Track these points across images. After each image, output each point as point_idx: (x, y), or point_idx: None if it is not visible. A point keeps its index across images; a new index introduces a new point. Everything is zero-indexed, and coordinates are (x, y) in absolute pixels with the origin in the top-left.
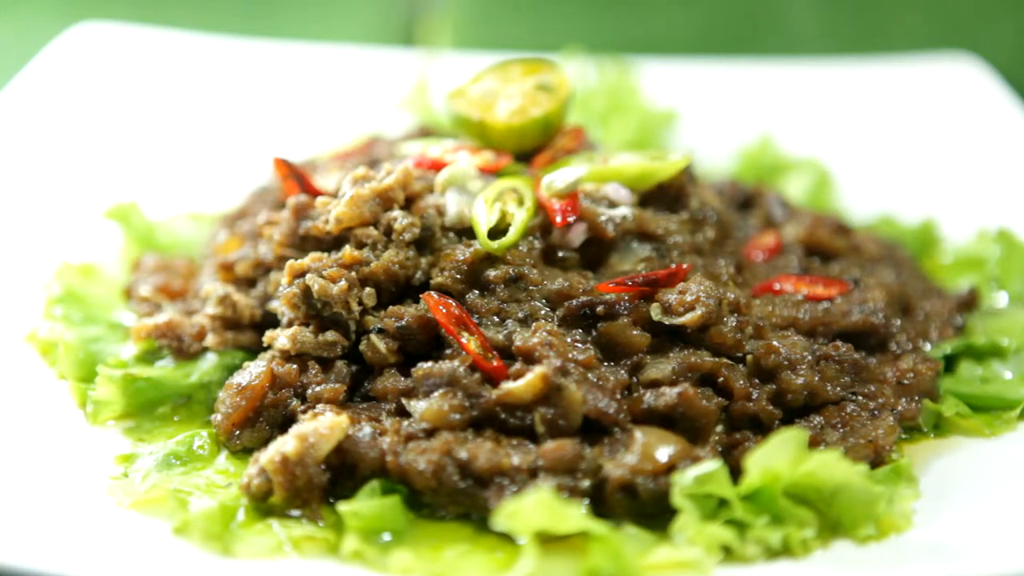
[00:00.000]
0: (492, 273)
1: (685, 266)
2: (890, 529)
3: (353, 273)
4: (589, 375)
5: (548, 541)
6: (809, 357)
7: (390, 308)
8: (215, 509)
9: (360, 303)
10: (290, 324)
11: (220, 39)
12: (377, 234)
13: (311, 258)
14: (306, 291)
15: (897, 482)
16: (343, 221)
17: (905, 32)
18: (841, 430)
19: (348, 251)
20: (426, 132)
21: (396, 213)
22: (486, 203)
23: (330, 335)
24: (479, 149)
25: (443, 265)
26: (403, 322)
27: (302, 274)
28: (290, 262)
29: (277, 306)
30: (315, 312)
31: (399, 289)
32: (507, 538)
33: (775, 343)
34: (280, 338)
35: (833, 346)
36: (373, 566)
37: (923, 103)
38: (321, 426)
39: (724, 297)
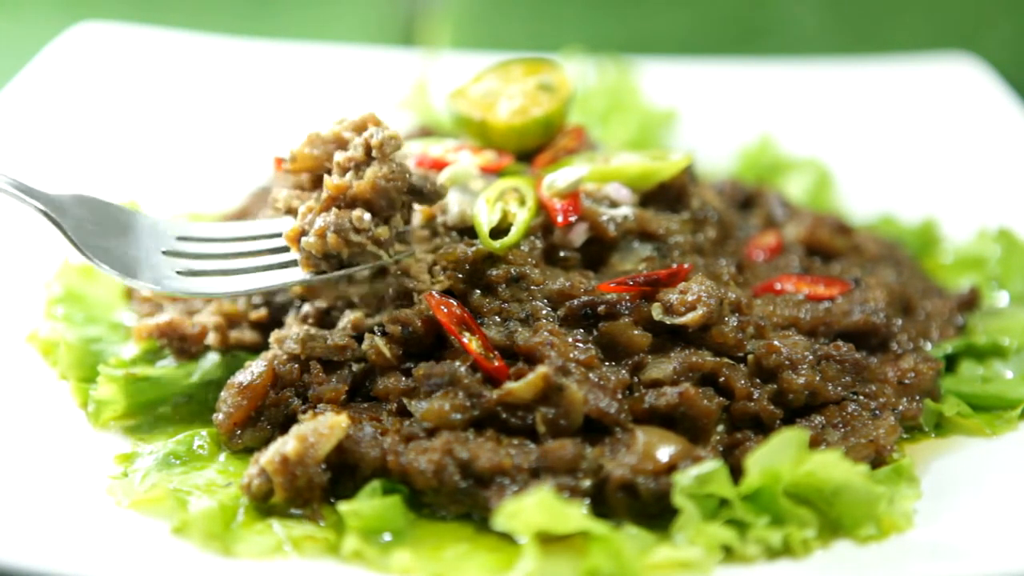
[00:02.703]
0: (494, 273)
1: (686, 266)
2: (891, 529)
3: (336, 208)
4: (590, 375)
5: (548, 541)
6: (810, 357)
7: (394, 313)
8: (215, 509)
9: (358, 231)
10: (303, 320)
11: (220, 39)
12: (359, 155)
13: (300, 216)
14: (308, 257)
15: (898, 482)
16: (297, 159)
17: (905, 32)
18: (842, 430)
19: (328, 182)
20: (427, 132)
21: (371, 129)
22: (488, 203)
23: (339, 338)
24: (480, 149)
25: (445, 265)
26: (409, 329)
27: (298, 238)
28: (286, 233)
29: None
30: (337, 259)
31: (390, 206)
32: (508, 538)
33: (776, 343)
34: (287, 341)
35: (834, 346)
36: (373, 566)
37: (923, 103)
38: (321, 426)
39: (725, 297)
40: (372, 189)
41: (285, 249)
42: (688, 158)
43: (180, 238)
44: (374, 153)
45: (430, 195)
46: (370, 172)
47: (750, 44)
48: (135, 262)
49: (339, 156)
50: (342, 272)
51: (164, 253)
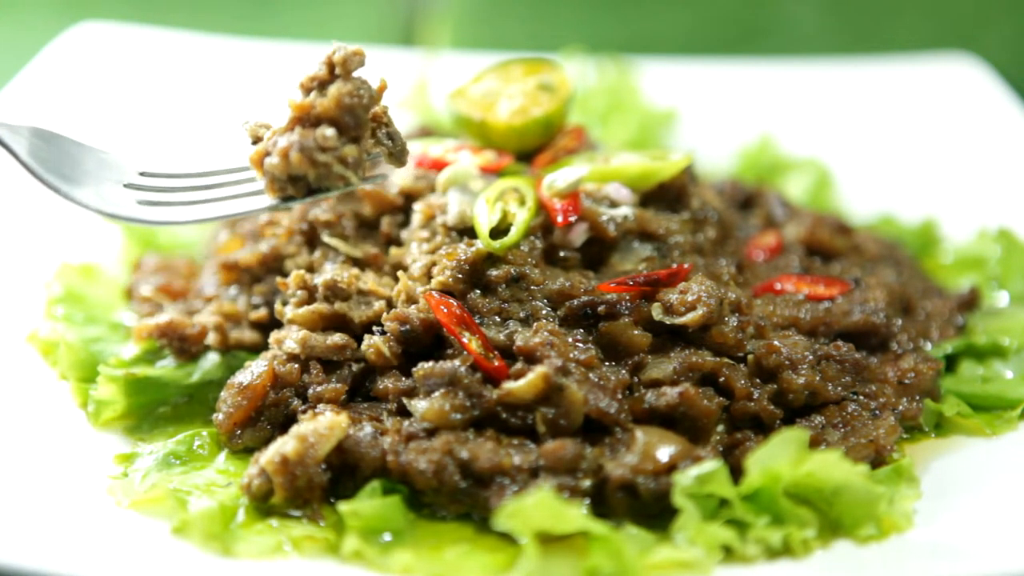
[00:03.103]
0: (494, 273)
1: (686, 266)
2: (891, 529)
3: (301, 128)
4: (590, 375)
5: (549, 541)
6: (810, 357)
7: (394, 312)
8: (215, 509)
9: (323, 149)
10: (298, 300)
11: (220, 39)
12: (323, 73)
13: (265, 140)
14: (273, 180)
15: (898, 482)
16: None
17: (905, 32)
18: (842, 430)
19: (292, 101)
20: (427, 132)
21: (334, 46)
22: (488, 203)
23: (338, 338)
24: (480, 149)
25: (444, 265)
26: (407, 327)
27: (262, 160)
28: (249, 155)
29: (281, 307)
30: (304, 182)
31: (357, 125)
32: (508, 538)
33: (776, 343)
34: (288, 341)
35: (834, 346)
36: (373, 566)
37: (923, 103)
38: (320, 426)
39: (725, 297)
40: (337, 106)
41: (253, 180)
42: (688, 158)
43: (143, 173)
44: (337, 71)
45: (400, 154)
46: (333, 89)
47: (750, 44)
48: (93, 192)
49: (302, 77)
50: (311, 198)
51: (125, 186)
